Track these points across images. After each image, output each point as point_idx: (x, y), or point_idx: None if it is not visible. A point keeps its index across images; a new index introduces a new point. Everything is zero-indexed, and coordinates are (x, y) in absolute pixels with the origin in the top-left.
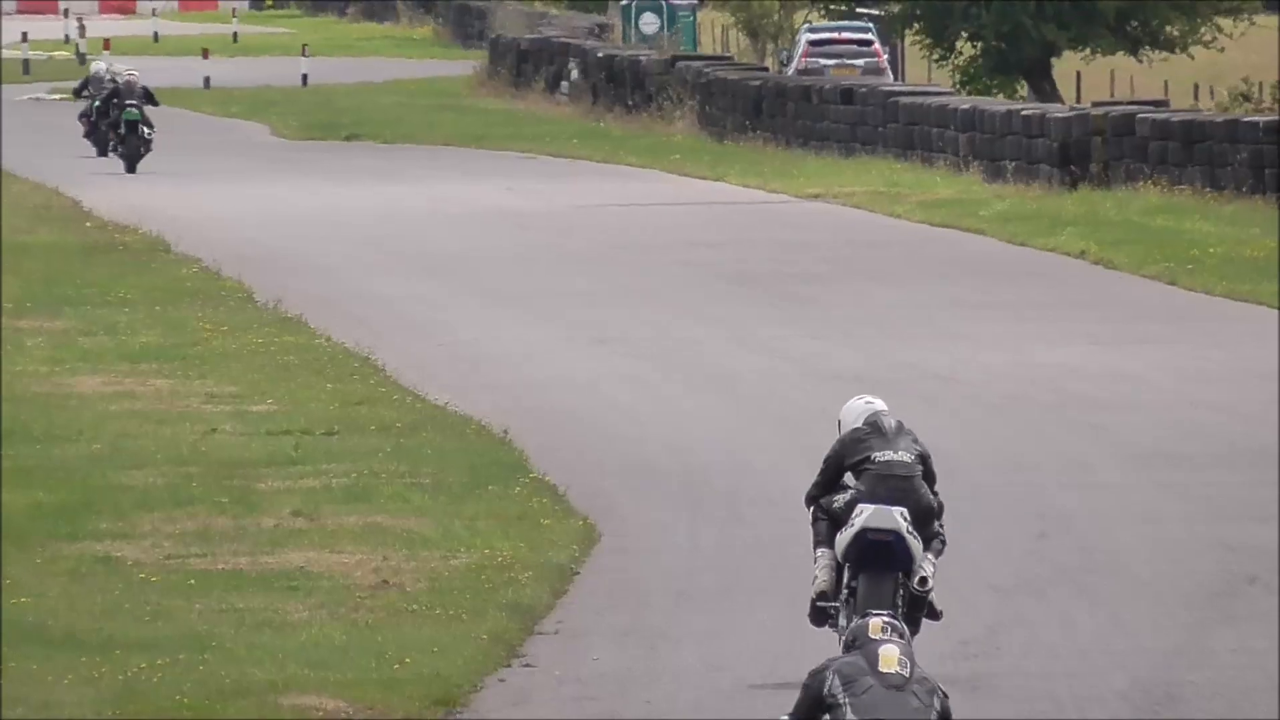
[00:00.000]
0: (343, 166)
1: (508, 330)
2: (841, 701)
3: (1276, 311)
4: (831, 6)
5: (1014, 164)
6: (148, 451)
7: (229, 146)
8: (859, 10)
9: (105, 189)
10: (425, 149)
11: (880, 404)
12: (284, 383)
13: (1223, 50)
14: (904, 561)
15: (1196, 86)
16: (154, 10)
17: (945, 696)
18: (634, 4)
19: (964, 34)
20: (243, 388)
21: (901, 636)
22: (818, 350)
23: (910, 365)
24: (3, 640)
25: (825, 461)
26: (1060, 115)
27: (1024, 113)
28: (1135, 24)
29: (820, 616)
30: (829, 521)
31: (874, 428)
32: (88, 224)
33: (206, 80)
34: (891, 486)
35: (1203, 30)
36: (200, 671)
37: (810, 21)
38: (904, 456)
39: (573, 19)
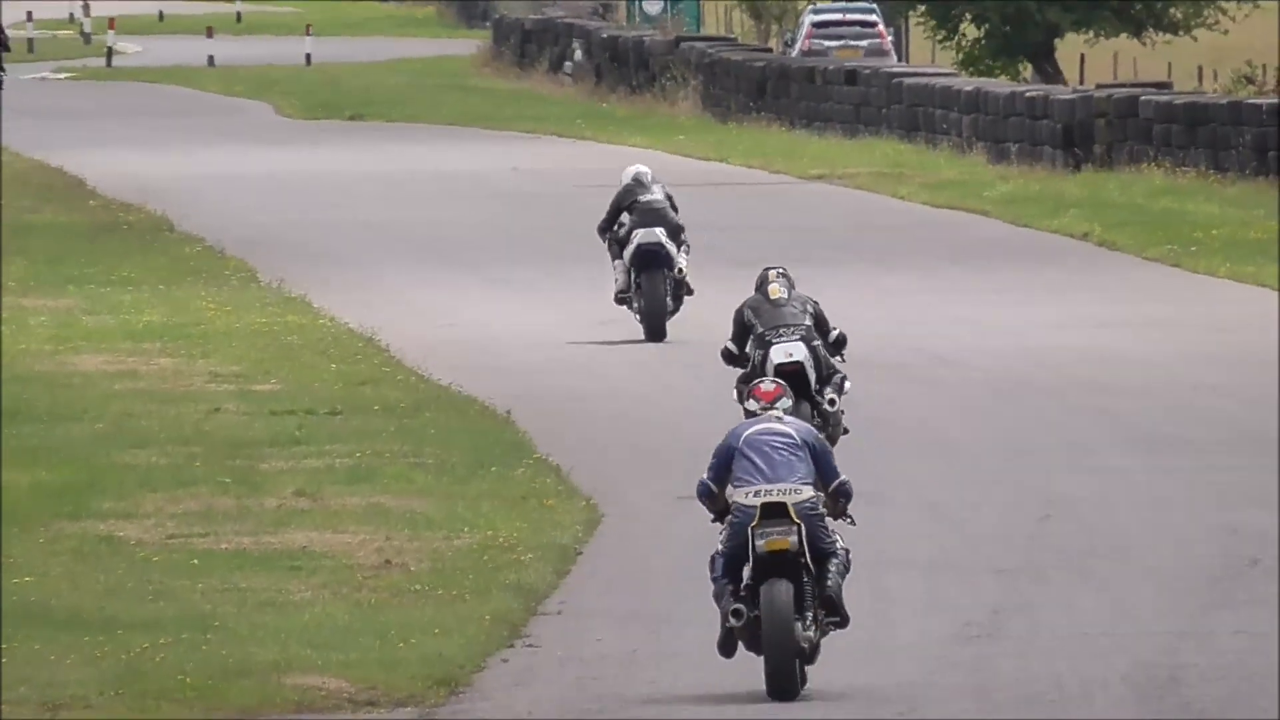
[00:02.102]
0: (346, 146)
1: (511, 311)
2: (753, 321)
3: (1278, 293)
4: None
5: (1018, 146)
6: (151, 431)
7: (233, 126)
8: None
9: (110, 166)
10: (429, 128)
11: (645, 168)
12: (287, 363)
13: (1226, 33)
14: (667, 261)
15: (1200, 69)
16: None
17: (817, 303)
18: None
19: (968, 16)
20: (246, 367)
21: (784, 277)
22: None
23: (913, 348)
24: (4, 620)
25: (609, 207)
26: (1064, 97)
27: (1028, 95)
28: (1139, 6)
29: (621, 301)
30: (618, 244)
31: (636, 182)
32: (92, 203)
33: (210, 59)
34: (653, 216)
35: (1206, 13)
36: (203, 651)
37: (814, 3)
38: (657, 195)
39: None
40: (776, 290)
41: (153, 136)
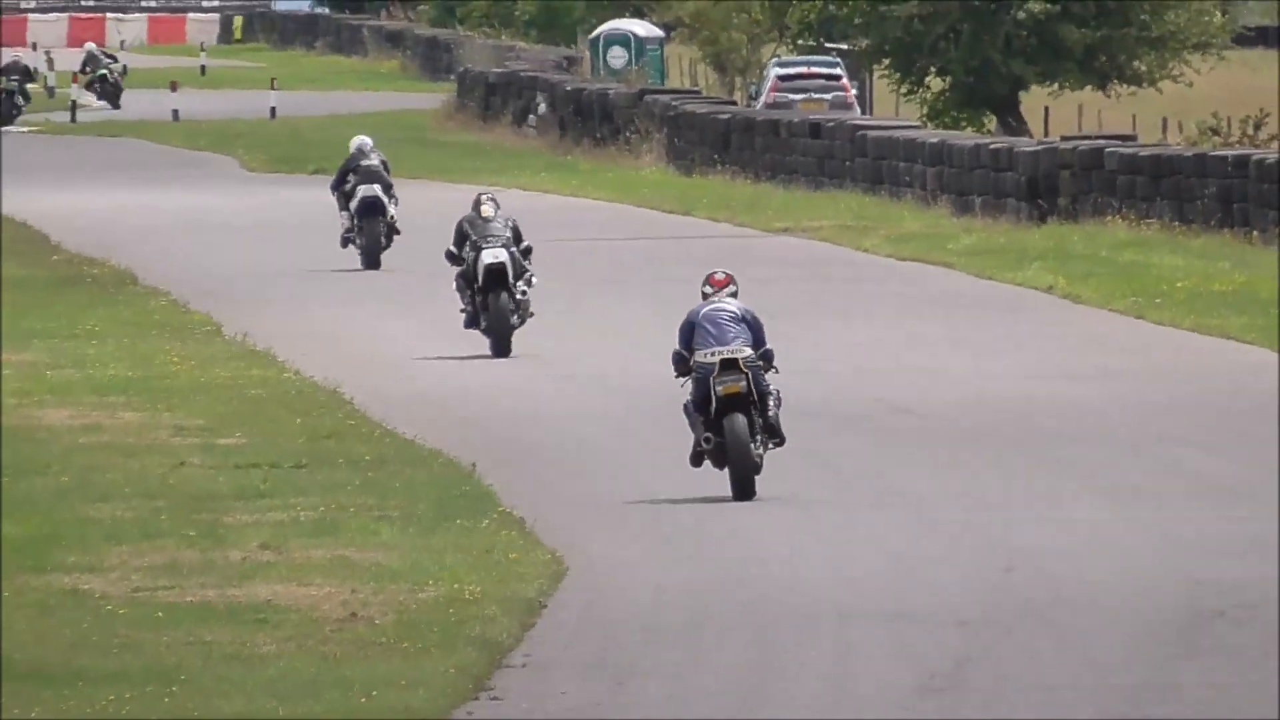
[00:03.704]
0: (311, 200)
1: (476, 365)
2: (469, 231)
3: (1241, 345)
4: (800, 41)
5: (982, 198)
6: (116, 484)
7: (197, 179)
8: (827, 45)
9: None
10: (393, 182)
11: (367, 139)
12: (252, 416)
13: (1191, 85)
14: (382, 209)
15: (1165, 121)
16: (122, 43)
17: (515, 221)
18: (602, 37)
19: (932, 69)
20: (211, 421)
21: (493, 201)
22: (785, 385)
23: (876, 399)
24: None
25: (338, 171)
26: (1028, 149)
27: (992, 147)
28: (1103, 59)
29: (345, 242)
30: (344, 197)
31: (359, 151)
32: (56, 256)
33: (175, 113)
34: (372, 175)
35: (1171, 65)
36: (168, 704)
37: (779, 56)
38: (375, 161)
39: (541, 52)
40: (487, 210)
41: (117, 190)
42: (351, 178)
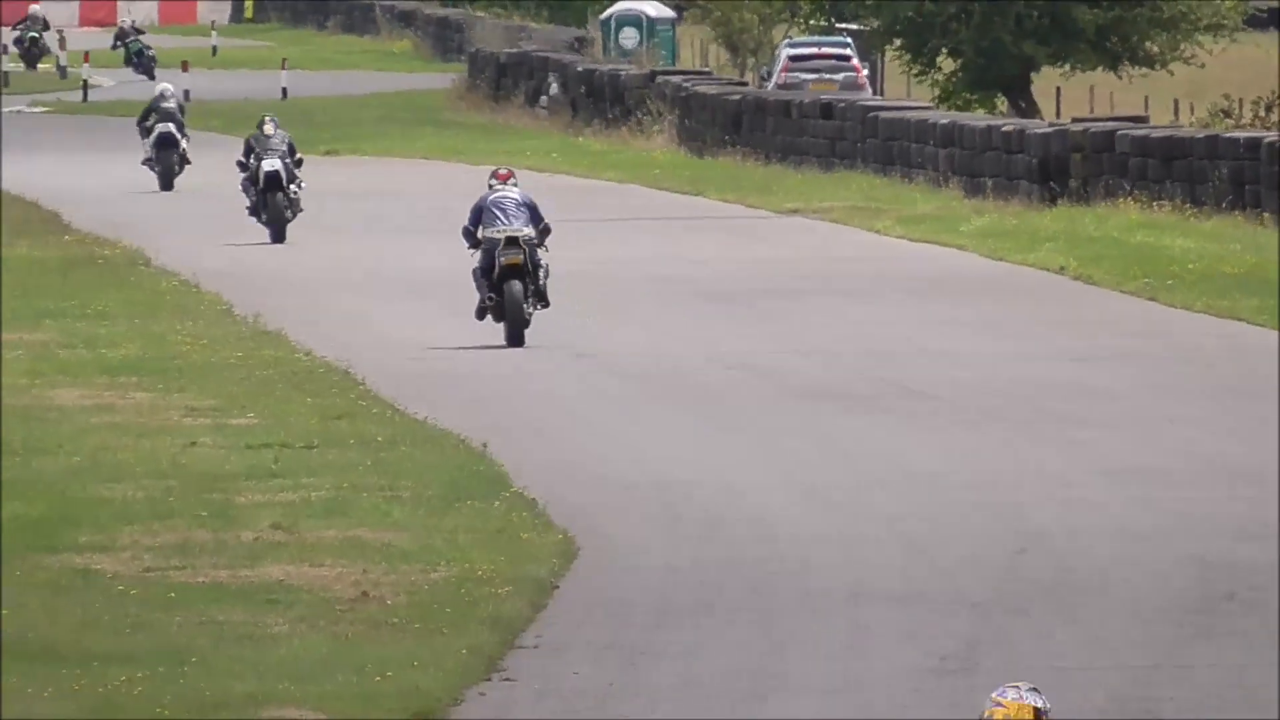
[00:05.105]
0: (321, 180)
1: (486, 345)
2: (255, 146)
3: (1252, 327)
4: (811, 22)
5: (993, 180)
6: (127, 464)
7: (208, 161)
8: (839, 26)
9: (86, 204)
10: (404, 163)
11: (169, 86)
12: (263, 396)
13: (1203, 66)
14: (176, 144)
15: (1176, 103)
16: (133, 23)
17: (290, 138)
18: (614, 18)
19: (944, 50)
20: (222, 401)
21: (274, 121)
22: (796, 366)
23: (888, 381)
24: None
25: (144, 110)
26: (1040, 131)
27: (1004, 128)
28: (1115, 40)
29: (148, 163)
30: (146, 132)
31: (160, 96)
32: (67, 237)
33: (186, 93)
34: (168, 115)
35: (1183, 46)
36: (180, 684)
37: (790, 36)
38: (172, 104)
39: (552, 33)
40: (268, 129)
41: (128, 171)
42: (153, 116)
